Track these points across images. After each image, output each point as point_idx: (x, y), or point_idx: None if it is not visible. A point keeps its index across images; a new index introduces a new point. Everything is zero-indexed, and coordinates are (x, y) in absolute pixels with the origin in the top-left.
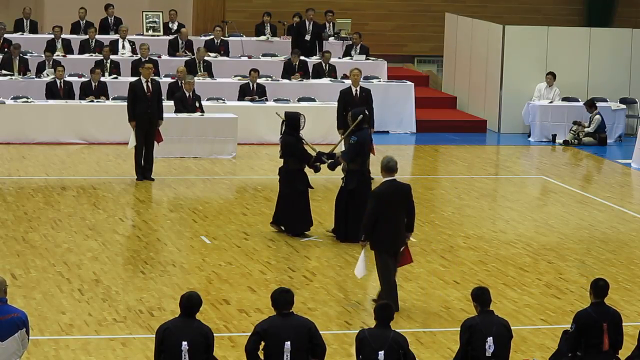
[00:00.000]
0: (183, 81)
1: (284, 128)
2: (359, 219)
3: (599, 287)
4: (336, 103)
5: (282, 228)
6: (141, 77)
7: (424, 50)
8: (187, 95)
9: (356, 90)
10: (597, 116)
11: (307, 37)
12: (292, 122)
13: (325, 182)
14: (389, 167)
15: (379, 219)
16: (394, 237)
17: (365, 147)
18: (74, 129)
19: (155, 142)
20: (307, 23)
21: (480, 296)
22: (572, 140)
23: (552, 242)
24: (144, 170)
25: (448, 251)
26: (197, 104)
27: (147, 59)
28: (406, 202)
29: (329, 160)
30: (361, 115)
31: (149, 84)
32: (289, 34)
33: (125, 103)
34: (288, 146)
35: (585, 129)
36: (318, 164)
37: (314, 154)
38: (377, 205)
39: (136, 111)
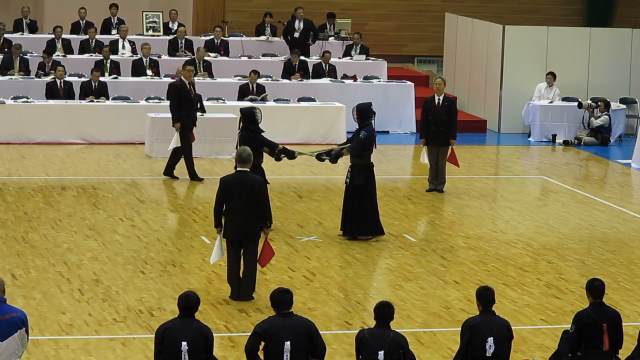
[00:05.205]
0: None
1: (241, 124)
2: (364, 214)
3: (595, 287)
4: (336, 103)
5: None
6: (182, 78)
7: (423, 50)
8: (187, 87)
9: (439, 99)
10: (606, 116)
11: (296, 35)
12: (248, 116)
13: (326, 182)
14: (242, 158)
15: (226, 208)
16: (237, 228)
17: (373, 142)
18: (74, 129)
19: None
20: (297, 22)
21: (485, 296)
22: (573, 140)
23: (552, 242)
24: (170, 167)
25: (448, 251)
26: (199, 105)
27: (147, 58)
28: (253, 196)
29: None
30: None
31: (190, 86)
32: (282, 35)
33: (125, 103)
34: (246, 140)
35: (592, 120)
36: (283, 156)
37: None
38: (221, 192)
39: (182, 113)
